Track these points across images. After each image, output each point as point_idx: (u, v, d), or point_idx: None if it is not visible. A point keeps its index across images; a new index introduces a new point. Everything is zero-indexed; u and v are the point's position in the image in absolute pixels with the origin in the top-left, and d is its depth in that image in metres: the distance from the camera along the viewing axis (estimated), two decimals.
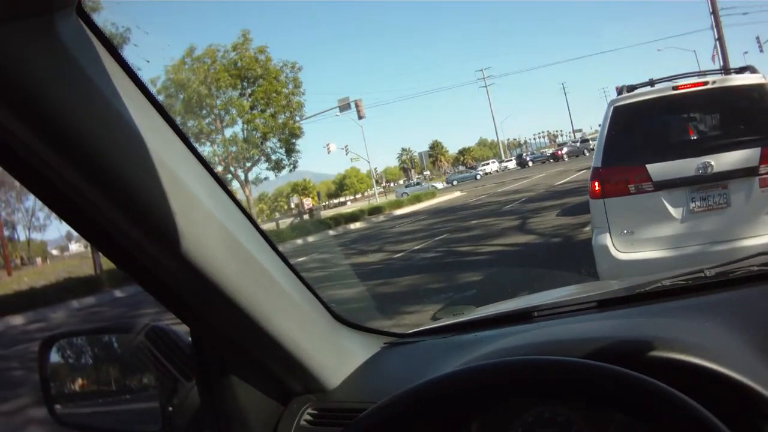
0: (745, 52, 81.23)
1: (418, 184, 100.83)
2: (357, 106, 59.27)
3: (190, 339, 1.76)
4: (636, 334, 1.68)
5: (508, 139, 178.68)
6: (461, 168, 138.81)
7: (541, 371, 1.32)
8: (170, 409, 1.82)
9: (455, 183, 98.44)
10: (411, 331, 2.26)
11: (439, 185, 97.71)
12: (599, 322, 2.01)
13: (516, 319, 2.16)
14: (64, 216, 1.40)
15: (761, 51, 62.92)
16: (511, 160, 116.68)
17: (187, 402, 1.80)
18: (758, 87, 7.05)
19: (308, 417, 1.83)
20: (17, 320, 20.57)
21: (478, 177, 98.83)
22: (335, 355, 1.93)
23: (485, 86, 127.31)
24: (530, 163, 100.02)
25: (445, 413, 1.37)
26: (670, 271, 2.37)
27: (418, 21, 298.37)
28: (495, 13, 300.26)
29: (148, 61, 45.78)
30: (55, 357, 2.06)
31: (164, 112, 1.39)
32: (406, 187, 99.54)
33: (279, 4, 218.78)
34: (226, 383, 1.73)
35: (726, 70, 11.14)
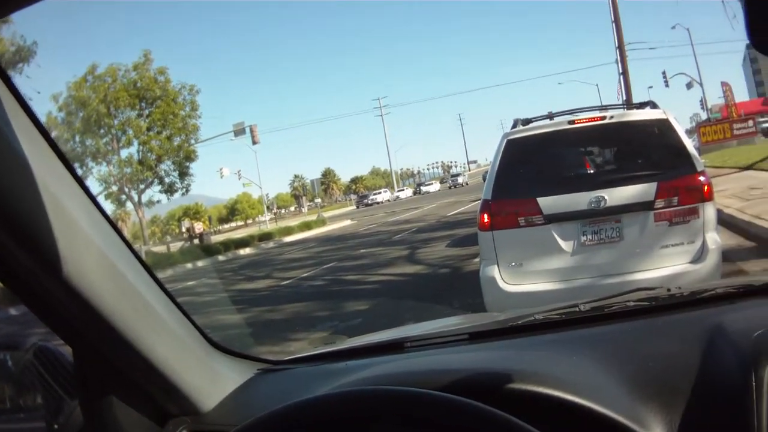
0: (650, 87, 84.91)
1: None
2: (252, 131, 59.30)
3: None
4: (500, 367, 1.72)
5: (402, 169, 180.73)
6: (353, 196, 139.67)
7: (378, 401, 1.39)
8: (55, 427, 1.87)
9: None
10: (285, 359, 2.34)
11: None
12: (468, 354, 2.10)
13: (388, 349, 2.27)
14: None
15: (667, 86, 65.82)
16: (404, 189, 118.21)
17: (72, 420, 1.85)
18: (658, 122, 7.19)
19: None
20: None
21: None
22: (209, 379, 1.99)
23: (381, 115, 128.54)
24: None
25: None
26: (548, 304, 2.43)
27: (316, 48, 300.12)
28: (395, 42, 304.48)
29: (39, 92, 45.20)
30: None
31: (52, 142, 1.48)
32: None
33: (181, 26, 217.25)
34: (106, 403, 1.77)
35: (628, 104, 11.42)
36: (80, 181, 1.57)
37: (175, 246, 51.67)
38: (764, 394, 1.42)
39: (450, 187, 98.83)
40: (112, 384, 1.77)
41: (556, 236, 6.82)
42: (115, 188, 53.92)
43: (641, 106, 8.20)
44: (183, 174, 55.91)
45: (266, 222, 73.08)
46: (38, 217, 1.39)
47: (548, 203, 6.83)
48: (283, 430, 1.41)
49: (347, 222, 54.77)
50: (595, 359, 1.72)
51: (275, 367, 2.27)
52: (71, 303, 1.52)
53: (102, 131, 52.84)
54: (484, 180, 7.84)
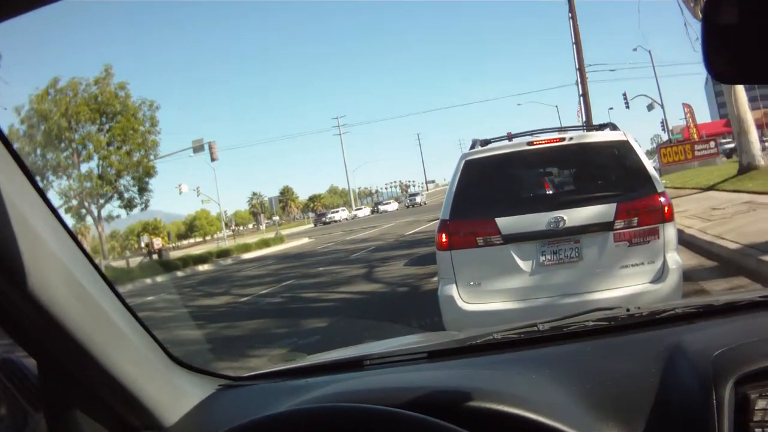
0: (611, 108, 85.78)
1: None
2: (211, 148, 58.84)
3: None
4: (459, 385, 1.73)
5: (360, 188, 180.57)
6: (310, 214, 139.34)
7: (335, 418, 1.39)
8: None
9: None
10: (245, 375, 2.34)
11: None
12: (427, 372, 2.11)
13: (348, 366, 2.29)
14: None
15: (628, 107, 66.31)
16: (361, 208, 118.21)
17: None
18: (617, 144, 7.21)
19: None
20: None
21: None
22: (170, 395, 1.99)
23: (340, 134, 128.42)
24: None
25: None
26: (507, 324, 2.44)
27: (275, 66, 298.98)
28: (355, 61, 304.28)
29: (5, 109, 44.88)
30: None
31: (18, 158, 1.52)
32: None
33: (141, 41, 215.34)
34: (70, 416, 1.77)
35: (588, 126, 11.44)
36: (43, 195, 1.59)
37: (135, 261, 51.17)
38: (725, 413, 1.44)
39: (408, 207, 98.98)
40: (76, 397, 1.77)
41: (514, 256, 6.81)
42: (75, 202, 53.88)
43: (601, 127, 8.24)
44: (142, 189, 56.04)
45: (225, 239, 72.80)
46: (2, 231, 1.40)
47: (507, 223, 6.82)
48: None
49: (305, 240, 54.50)
50: (554, 378, 1.73)
51: (236, 383, 2.27)
52: (35, 316, 1.52)
53: (63, 145, 52.68)
54: None
